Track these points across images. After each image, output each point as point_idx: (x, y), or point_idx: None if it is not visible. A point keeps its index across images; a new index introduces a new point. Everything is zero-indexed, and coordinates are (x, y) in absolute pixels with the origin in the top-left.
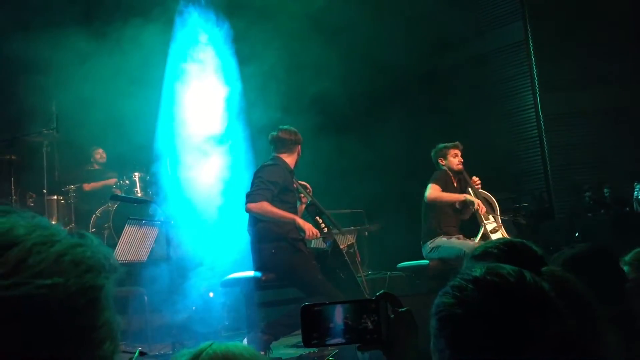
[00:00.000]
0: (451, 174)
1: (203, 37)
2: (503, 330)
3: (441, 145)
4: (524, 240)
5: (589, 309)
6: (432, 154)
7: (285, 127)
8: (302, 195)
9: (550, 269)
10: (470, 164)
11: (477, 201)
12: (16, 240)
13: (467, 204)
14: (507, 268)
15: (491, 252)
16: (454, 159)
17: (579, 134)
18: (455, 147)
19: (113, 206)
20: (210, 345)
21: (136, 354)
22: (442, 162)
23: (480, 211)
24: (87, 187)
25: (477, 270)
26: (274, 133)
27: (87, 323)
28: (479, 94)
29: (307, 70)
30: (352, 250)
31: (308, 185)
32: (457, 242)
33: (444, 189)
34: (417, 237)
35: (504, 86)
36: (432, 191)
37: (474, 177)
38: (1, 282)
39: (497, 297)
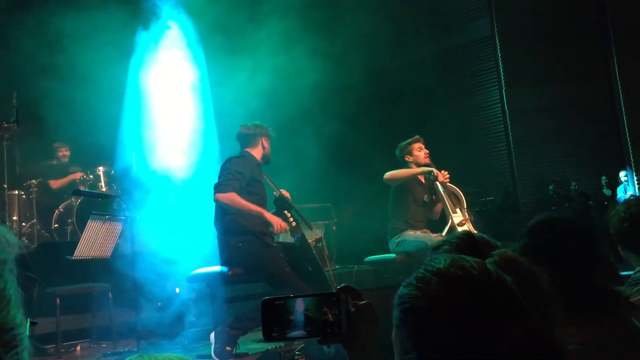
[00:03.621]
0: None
1: (169, 26)
2: (465, 324)
3: (403, 143)
4: (483, 233)
5: (539, 289)
6: (397, 153)
7: (249, 123)
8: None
9: (502, 251)
10: (437, 158)
11: (434, 170)
12: None
13: (425, 175)
14: (471, 260)
15: (451, 243)
16: (420, 153)
17: (544, 129)
18: (417, 140)
19: (76, 201)
20: (137, 357)
21: (28, 324)
22: (408, 159)
23: (438, 178)
24: (54, 185)
25: (441, 262)
26: (238, 130)
27: None
28: (445, 89)
29: (279, 64)
30: (320, 245)
31: (288, 195)
32: (422, 236)
33: (409, 186)
34: (384, 231)
35: (470, 81)
36: (389, 172)
37: (443, 171)
38: None
39: (460, 291)
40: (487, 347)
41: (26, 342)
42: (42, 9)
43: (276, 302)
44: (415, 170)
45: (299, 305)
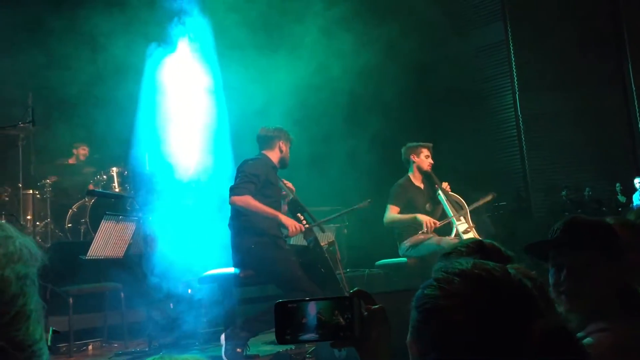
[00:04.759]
0: (419, 174)
1: (187, 29)
2: (488, 323)
3: (414, 143)
4: (494, 242)
5: (550, 302)
6: (403, 150)
7: (269, 125)
8: (285, 193)
9: (515, 265)
10: (450, 163)
11: (425, 222)
12: None
13: (416, 223)
14: (492, 264)
15: (460, 251)
16: (426, 159)
17: (557, 134)
18: (428, 147)
19: (90, 201)
20: (158, 359)
21: (50, 333)
22: (414, 158)
23: (428, 231)
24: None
25: (463, 264)
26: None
27: (11, 308)
28: (459, 93)
29: (291, 67)
30: (332, 248)
31: (291, 186)
32: (434, 239)
33: (407, 202)
34: (394, 234)
35: (484, 86)
36: (389, 214)
37: (444, 183)
38: None
39: (484, 290)
40: (510, 346)
41: (45, 357)
42: (58, 11)
43: (289, 305)
44: (409, 216)
45: (312, 309)
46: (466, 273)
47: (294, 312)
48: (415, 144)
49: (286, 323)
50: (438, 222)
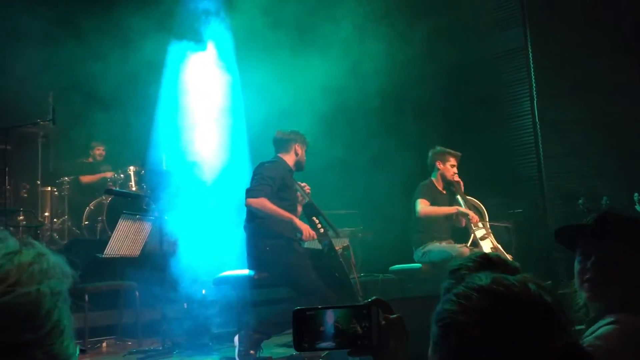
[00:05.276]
0: (441, 181)
1: (213, 28)
2: (508, 339)
3: (443, 148)
4: (499, 254)
5: (564, 312)
6: (430, 154)
7: (286, 129)
8: (300, 195)
9: (523, 276)
10: (466, 169)
11: (470, 212)
12: None
13: (459, 215)
14: (512, 279)
15: (468, 266)
16: (451, 169)
17: (575, 142)
18: (455, 156)
19: (107, 199)
20: None
21: (77, 351)
22: (439, 165)
23: (472, 220)
24: (84, 179)
25: (482, 279)
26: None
27: (46, 322)
28: (476, 99)
29: (319, 67)
30: (346, 253)
31: (307, 186)
32: (447, 246)
33: (432, 202)
34: (410, 239)
35: (501, 92)
36: (423, 206)
37: (458, 180)
38: None
39: (503, 306)
40: None
41: None
42: (81, 10)
43: (307, 313)
44: (450, 209)
45: (330, 317)
46: (485, 289)
47: (312, 320)
48: (443, 150)
49: (304, 331)
50: (475, 217)
